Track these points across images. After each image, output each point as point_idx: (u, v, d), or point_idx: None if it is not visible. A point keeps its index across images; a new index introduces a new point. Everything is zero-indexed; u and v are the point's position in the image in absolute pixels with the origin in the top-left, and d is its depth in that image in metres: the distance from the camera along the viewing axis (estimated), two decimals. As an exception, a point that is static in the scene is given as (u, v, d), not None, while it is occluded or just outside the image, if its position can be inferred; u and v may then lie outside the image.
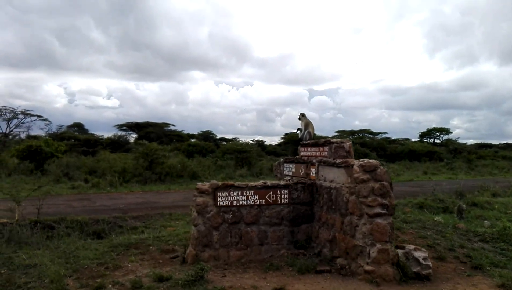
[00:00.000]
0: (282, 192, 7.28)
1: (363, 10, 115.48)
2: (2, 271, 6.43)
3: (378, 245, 5.70)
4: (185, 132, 56.93)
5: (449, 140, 62.12)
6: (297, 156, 8.51)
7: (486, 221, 8.99)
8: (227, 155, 35.14)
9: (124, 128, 54.75)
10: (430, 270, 5.85)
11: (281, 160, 9.24)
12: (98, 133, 50.66)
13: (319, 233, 7.06)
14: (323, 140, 7.41)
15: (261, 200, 7.17)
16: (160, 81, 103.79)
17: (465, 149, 55.75)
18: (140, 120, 56.70)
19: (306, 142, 8.16)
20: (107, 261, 7.03)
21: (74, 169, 24.63)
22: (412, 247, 6.16)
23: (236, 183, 7.20)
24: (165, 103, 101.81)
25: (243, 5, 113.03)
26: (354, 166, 6.01)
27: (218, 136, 58.85)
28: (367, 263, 5.73)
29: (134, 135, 53.73)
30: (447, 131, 65.10)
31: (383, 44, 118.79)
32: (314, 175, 7.49)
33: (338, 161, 6.63)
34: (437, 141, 64.56)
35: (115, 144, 44.78)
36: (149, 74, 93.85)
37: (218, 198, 6.99)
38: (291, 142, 50.35)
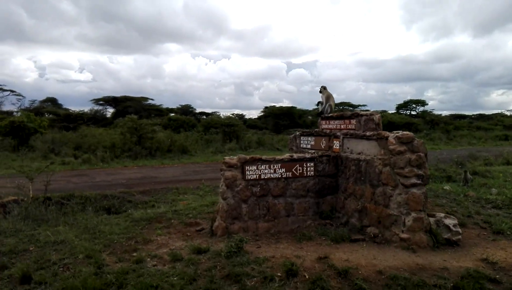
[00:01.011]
0: (308, 165, 7.35)
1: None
2: (31, 248, 6.32)
3: (413, 214, 5.89)
4: (164, 106, 55.97)
5: (425, 111, 63.59)
6: (317, 129, 8.55)
7: (493, 189, 9.38)
8: (212, 129, 35.04)
9: (101, 102, 53.48)
10: (460, 236, 6.10)
11: (297, 133, 9.27)
12: (72, 108, 49.19)
13: (345, 204, 7.21)
14: (350, 112, 7.46)
15: (288, 173, 7.23)
16: (134, 54, 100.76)
17: (441, 120, 57.39)
18: (114, 94, 55.29)
19: (328, 115, 8.19)
20: (134, 235, 7.01)
21: (59, 145, 24.08)
22: (442, 215, 6.39)
23: (264, 157, 7.21)
24: (140, 76, 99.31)
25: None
26: (389, 138, 6.10)
27: (198, 110, 58.12)
28: (402, 231, 5.93)
29: (111, 110, 52.62)
30: (423, 103, 66.51)
31: (360, 16, 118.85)
32: (338, 147, 7.58)
33: (368, 133, 6.73)
34: (413, 112, 65.91)
35: (93, 119, 43.81)
36: (123, 46, 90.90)
37: (246, 171, 7.01)
38: (272, 115, 50.45)
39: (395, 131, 6.28)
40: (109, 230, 7.24)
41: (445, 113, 68.40)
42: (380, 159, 6.31)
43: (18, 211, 8.20)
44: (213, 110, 61.21)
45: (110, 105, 54.15)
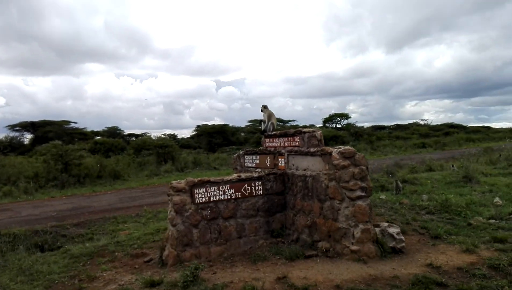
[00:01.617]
0: (256, 183, 7.39)
1: (262, 1, 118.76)
2: (-43, 299, 5.61)
3: (361, 226, 6.15)
4: (88, 129, 52.99)
5: (349, 124, 67.19)
6: (261, 148, 8.66)
7: (424, 195, 10.11)
8: (144, 150, 33.97)
9: (17, 128, 49.39)
10: (404, 244, 6.47)
11: (241, 152, 9.31)
12: (-18, 135, 44.76)
13: (295, 220, 7.33)
14: (293, 130, 7.66)
15: (237, 194, 7.20)
16: (51, 75, 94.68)
17: (364, 132, 61.07)
18: (31, 118, 51.17)
19: (271, 133, 8.34)
20: (76, 273, 6.55)
21: (-27, 177, 21.82)
22: (386, 224, 6.75)
23: (212, 179, 7.13)
24: (59, 98, 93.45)
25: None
26: (333, 154, 6.35)
27: (126, 132, 55.98)
28: (352, 243, 6.15)
29: (29, 136, 48.77)
30: (346, 116, 70.17)
31: (283, 35, 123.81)
32: (283, 165, 7.72)
33: (312, 149, 6.94)
34: (338, 126, 69.30)
35: (10, 147, 40.32)
36: (39, 67, 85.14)
37: (196, 195, 6.87)
38: (205, 134, 50.12)
39: (337, 147, 6.55)
40: (48, 270, 6.68)
41: (366, 125, 72.90)
42: (325, 174, 6.54)
43: None
44: (143, 131, 59.37)
45: (28, 130, 50.06)
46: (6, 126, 47.99)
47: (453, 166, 14.72)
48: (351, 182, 6.16)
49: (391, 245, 6.39)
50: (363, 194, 6.20)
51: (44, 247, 9.14)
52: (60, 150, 22.24)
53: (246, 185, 7.30)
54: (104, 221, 11.23)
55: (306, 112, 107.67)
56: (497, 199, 9.37)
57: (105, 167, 24.09)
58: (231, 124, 54.53)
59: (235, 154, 9.61)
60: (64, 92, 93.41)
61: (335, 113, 71.20)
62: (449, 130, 64.85)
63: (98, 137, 46.77)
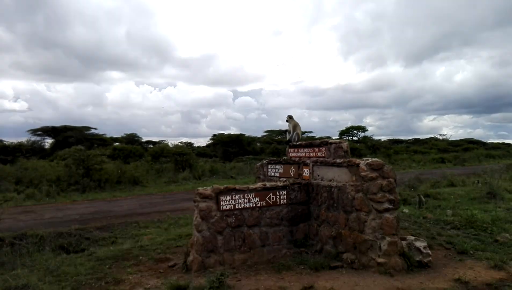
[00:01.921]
0: (281, 193, 7.43)
1: (282, 14, 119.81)
2: (-10, 297, 5.76)
3: (388, 238, 6.11)
4: (107, 135, 53.74)
5: (365, 137, 66.62)
6: (285, 157, 8.70)
7: (448, 210, 9.97)
8: (162, 158, 34.31)
9: (39, 132, 50.46)
10: (430, 258, 6.40)
11: (264, 161, 9.37)
12: (6, 139, 45.74)
13: (319, 231, 7.32)
14: (319, 141, 7.70)
15: (261, 202, 7.25)
16: (74, 82, 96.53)
17: (381, 145, 60.47)
18: (53, 124, 52.02)
19: (296, 143, 8.38)
20: (103, 275, 6.63)
21: (-4, 179, 22.36)
22: (412, 237, 6.69)
23: (238, 187, 7.18)
24: (80, 105, 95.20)
25: (162, 3, 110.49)
26: (360, 165, 6.35)
27: (144, 139, 56.57)
28: (379, 256, 6.11)
29: (50, 140, 49.70)
30: (363, 129, 69.60)
31: (301, 47, 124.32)
32: (308, 175, 7.74)
33: (338, 160, 6.96)
34: (355, 138, 68.78)
35: (31, 151, 41.14)
36: (62, 74, 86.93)
37: (221, 202, 6.93)
38: (220, 143, 50.24)
39: (364, 158, 6.55)
40: (74, 271, 6.79)
41: (383, 138, 72.10)
42: (352, 185, 6.53)
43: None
44: (160, 139, 59.75)
45: (49, 135, 51.03)
46: (28, 130, 49.05)
47: (478, 181, 14.48)
48: (379, 194, 6.14)
49: (417, 259, 6.33)
50: (390, 206, 6.17)
51: (68, 249, 9.33)
52: (82, 155, 22.67)
53: (271, 194, 7.34)
54: (126, 225, 11.38)
55: (322, 123, 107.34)
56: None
57: (124, 173, 24.41)
58: (247, 134, 54.62)
59: (258, 163, 9.67)
60: (85, 98, 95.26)
61: (352, 126, 70.71)
62: (468, 145, 63.66)
63: (117, 144, 47.41)
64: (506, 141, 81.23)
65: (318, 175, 7.48)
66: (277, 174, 8.70)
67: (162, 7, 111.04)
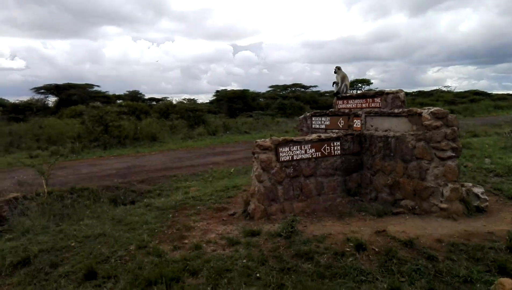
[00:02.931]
0: (335, 144, 7.58)
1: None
2: (72, 244, 6.06)
3: (450, 185, 6.32)
4: (110, 93, 53.30)
5: (370, 90, 66.05)
6: (332, 109, 8.78)
7: (486, 159, 10.18)
8: (173, 114, 34.41)
9: (42, 91, 50.12)
10: (487, 203, 6.65)
11: (307, 114, 9.46)
12: (7, 98, 45.46)
13: (373, 180, 7.54)
14: (373, 91, 7.74)
15: (317, 153, 7.42)
16: (70, 38, 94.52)
17: (388, 98, 59.95)
18: (50, 81, 51.53)
19: (345, 94, 8.44)
20: (171, 223, 6.93)
21: (17, 137, 22.61)
22: (470, 184, 6.91)
23: (295, 138, 7.33)
24: (78, 62, 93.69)
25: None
26: (423, 114, 6.45)
27: (147, 96, 56.27)
28: (441, 202, 6.35)
29: (53, 98, 49.44)
30: (368, 82, 69.06)
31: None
32: (359, 126, 7.86)
33: (396, 110, 7.05)
34: (359, 91, 68.17)
35: (36, 109, 41.06)
36: (57, 30, 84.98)
37: (280, 153, 7.10)
38: (224, 99, 49.90)
39: (425, 108, 6.64)
40: (141, 220, 7.09)
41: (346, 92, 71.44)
42: (412, 134, 6.66)
43: (30, 207, 7.75)
44: (163, 96, 59.35)
45: (52, 93, 50.75)
46: (32, 89, 48.70)
47: (506, 132, 14.64)
48: (443, 143, 6.29)
49: (475, 204, 6.58)
50: (453, 154, 6.34)
51: (117, 201, 9.64)
52: (100, 112, 22.73)
53: (325, 145, 7.50)
54: (165, 179, 11.67)
55: (325, 77, 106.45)
56: None
57: (141, 129, 24.59)
58: (250, 90, 54.06)
59: (301, 116, 9.76)
60: (82, 55, 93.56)
61: (356, 79, 70.15)
62: (474, 97, 63.14)
63: (120, 101, 47.26)
64: (511, 92, 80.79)
65: (372, 126, 7.60)
66: (323, 126, 8.82)
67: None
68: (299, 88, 65.09)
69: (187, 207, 7.96)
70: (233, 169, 12.92)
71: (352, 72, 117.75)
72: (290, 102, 47.55)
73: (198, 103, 34.83)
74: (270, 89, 63.88)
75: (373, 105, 7.66)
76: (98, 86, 51.20)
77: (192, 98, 54.26)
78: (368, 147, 7.64)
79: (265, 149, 7.04)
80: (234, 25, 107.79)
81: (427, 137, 6.40)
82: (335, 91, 8.85)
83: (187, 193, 9.40)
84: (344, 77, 8.58)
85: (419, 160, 6.58)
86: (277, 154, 7.10)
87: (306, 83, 62.65)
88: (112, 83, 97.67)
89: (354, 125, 7.96)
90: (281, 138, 7.21)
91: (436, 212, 6.35)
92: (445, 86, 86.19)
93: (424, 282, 4.38)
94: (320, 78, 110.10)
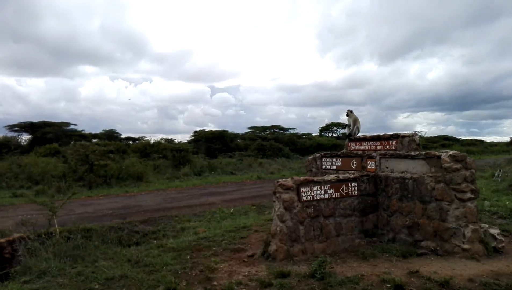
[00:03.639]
0: (352, 184, 7.73)
1: (259, 10, 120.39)
2: (96, 286, 5.81)
3: (471, 226, 6.51)
4: (86, 131, 52.43)
5: (345, 133, 67.65)
6: (343, 151, 9.00)
7: (486, 202, 10.54)
8: (154, 154, 34.11)
9: (16, 128, 48.87)
10: (504, 244, 6.85)
11: (317, 155, 9.65)
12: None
13: (390, 221, 7.67)
14: (388, 134, 8.03)
15: (336, 193, 7.53)
16: (46, 76, 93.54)
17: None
18: (24, 119, 50.40)
19: (357, 137, 8.70)
20: (191, 265, 6.76)
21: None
22: (486, 225, 7.12)
23: (315, 178, 7.44)
24: (52, 100, 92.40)
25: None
26: (442, 157, 6.72)
27: (123, 135, 55.69)
28: (463, 242, 6.50)
29: (27, 136, 48.15)
30: (342, 126, 70.88)
31: (278, 44, 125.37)
32: (373, 167, 8.07)
33: (413, 153, 7.31)
34: (334, 135, 69.75)
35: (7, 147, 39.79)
36: (33, 68, 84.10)
37: (302, 193, 7.18)
38: (203, 139, 49.82)
39: (443, 151, 6.93)
40: (160, 262, 6.88)
41: (360, 135, 73.51)
42: (431, 176, 6.90)
43: (41, 247, 7.41)
44: (140, 135, 58.71)
45: (26, 131, 49.51)
46: (5, 126, 47.40)
47: (497, 175, 15.26)
48: (463, 185, 6.53)
49: (493, 245, 6.76)
50: (472, 196, 6.58)
51: (121, 242, 9.34)
52: (86, 151, 22.31)
53: (344, 185, 7.64)
54: (167, 219, 11.44)
55: (300, 120, 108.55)
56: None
57: (127, 169, 24.21)
58: (228, 130, 54.27)
59: (310, 157, 9.94)
60: (57, 93, 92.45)
61: (332, 122, 72.00)
62: (444, 142, 65.54)
63: (95, 140, 46.51)
64: (478, 138, 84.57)
65: (387, 167, 7.82)
66: (334, 167, 9.00)
67: (136, 0, 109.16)
68: (277, 130, 65.96)
69: (202, 248, 7.81)
70: (232, 210, 12.83)
71: (325, 116, 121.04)
72: (269, 144, 48.03)
73: (182, 143, 34.50)
74: (248, 130, 64.46)
75: (388, 147, 7.93)
76: (74, 124, 50.23)
77: (170, 137, 53.84)
78: (384, 188, 7.82)
79: (287, 189, 7.10)
80: (212, 68, 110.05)
81: (447, 179, 6.64)
82: (347, 134, 9.12)
83: (196, 233, 9.24)
84: (355, 120, 8.89)
85: (438, 201, 6.78)
86: (298, 194, 7.17)
87: (282, 125, 63.76)
88: (87, 122, 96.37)
89: (368, 167, 8.17)
90: (302, 178, 7.30)
91: (459, 253, 6.49)
92: (416, 131, 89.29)
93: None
94: (296, 121, 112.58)
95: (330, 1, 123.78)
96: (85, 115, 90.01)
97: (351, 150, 8.82)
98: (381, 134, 8.27)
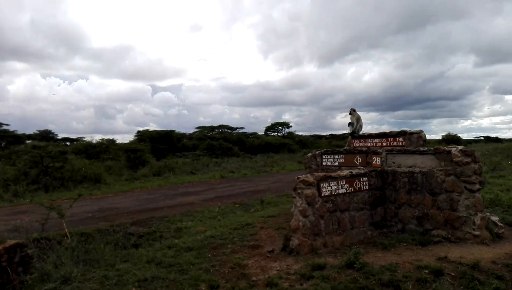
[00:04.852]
0: (363, 179, 8.06)
1: (202, 9, 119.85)
2: (134, 289, 5.57)
3: (480, 214, 7.09)
4: (18, 132, 48.86)
5: (290, 133, 69.43)
6: (346, 147, 9.32)
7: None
8: (103, 154, 32.81)
9: None
10: (503, 230, 7.52)
11: (317, 152, 9.90)
12: None
13: (398, 213, 8.09)
14: (395, 131, 8.45)
15: (350, 188, 7.82)
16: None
17: (308, 140, 63.87)
18: None
19: (360, 134, 9.06)
20: (217, 263, 6.68)
21: None
22: (488, 213, 7.75)
23: (333, 174, 7.66)
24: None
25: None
26: (453, 152, 7.24)
27: (60, 136, 52.78)
28: (473, 229, 7.05)
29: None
30: (288, 125, 72.46)
31: (222, 43, 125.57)
32: (378, 163, 8.47)
33: (422, 149, 7.79)
34: (279, 134, 71.12)
35: None
36: (-43, 64, 76.98)
37: (322, 189, 7.37)
38: (148, 139, 48.31)
39: (453, 146, 7.46)
40: (183, 261, 6.72)
41: (301, 133, 75.39)
42: (441, 170, 7.40)
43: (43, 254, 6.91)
44: (78, 136, 55.88)
45: (-48, 132, 45.22)
46: None
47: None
48: (473, 177, 7.08)
49: (495, 231, 7.40)
50: (480, 187, 7.16)
51: (118, 245, 8.94)
52: (42, 152, 20.90)
53: (356, 180, 7.94)
54: (157, 220, 11.08)
55: (244, 120, 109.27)
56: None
57: (87, 170, 23.05)
58: (172, 130, 52.86)
59: (309, 154, 10.16)
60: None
61: (277, 122, 73.27)
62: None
63: (29, 141, 43.62)
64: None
65: (394, 163, 8.24)
66: (336, 163, 9.30)
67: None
68: (226, 129, 65.85)
69: (217, 246, 7.72)
70: (218, 208, 12.73)
71: (268, 116, 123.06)
72: (219, 143, 47.91)
73: (138, 144, 33.21)
74: (196, 130, 63.73)
75: (394, 143, 8.36)
76: (7, 124, 46.47)
77: (111, 138, 51.46)
78: (391, 182, 8.23)
79: (309, 184, 7.25)
80: (153, 66, 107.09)
81: (458, 172, 7.17)
82: (350, 131, 9.45)
83: (199, 233, 9.06)
84: (358, 118, 9.25)
85: (449, 192, 7.29)
86: (319, 190, 7.34)
87: (229, 124, 63.98)
88: (16, 122, 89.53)
89: (374, 162, 8.55)
90: (322, 174, 7.49)
91: (470, 239, 7.03)
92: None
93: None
94: (240, 121, 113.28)
95: (271, 3, 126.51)
96: (14, 114, 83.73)
97: (355, 147, 9.17)
98: (387, 131, 8.69)
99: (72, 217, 11.72)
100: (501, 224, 7.56)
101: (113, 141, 52.43)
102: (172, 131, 50.73)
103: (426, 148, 7.74)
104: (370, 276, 5.68)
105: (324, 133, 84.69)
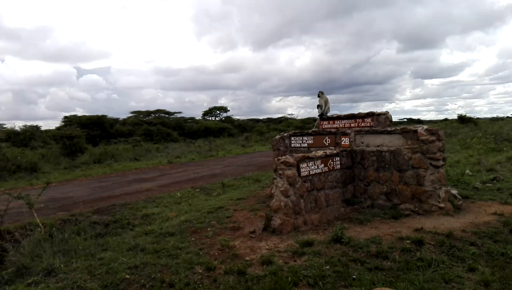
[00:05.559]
0: (336, 159, 8.39)
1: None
2: (127, 277, 5.41)
3: (443, 188, 7.73)
4: None
5: (228, 117, 69.63)
6: (315, 129, 9.59)
7: (467, 169, 12.30)
8: (31, 142, 30.87)
9: None
10: (462, 202, 8.28)
11: (285, 134, 10.07)
12: None
13: (367, 190, 8.55)
14: (363, 113, 8.84)
15: (325, 168, 8.11)
16: None
17: (246, 124, 64.45)
18: None
19: (329, 116, 9.36)
20: (205, 245, 6.67)
21: None
22: (448, 187, 8.46)
23: (310, 155, 7.88)
24: None
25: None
26: (419, 131, 7.78)
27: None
28: (439, 202, 7.68)
29: None
30: (225, 109, 72.69)
31: (151, 24, 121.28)
32: (347, 143, 8.86)
33: (389, 129, 8.27)
34: (217, 118, 71.05)
35: None
36: None
37: (301, 169, 7.57)
38: (78, 125, 45.72)
39: (418, 125, 8.01)
40: (169, 247, 6.61)
41: (238, 118, 75.84)
42: (408, 148, 7.93)
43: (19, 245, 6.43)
44: None
45: None
46: None
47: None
48: (437, 154, 7.67)
49: (455, 203, 8.12)
50: (443, 163, 7.79)
51: (81, 234, 8.53)
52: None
53: (330, 160, 8.25)
54: (119, 208, 10.68)
55: (179, 104, 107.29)
56: (467, 171, 12.09)
57: (22, 159, 21.44)
58: (103, 115, 50.35)
59: (276, 136, 10.31)
60: None
61: (215, 106, 73.05)
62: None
63: None
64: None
65: (362, 143, 8.67)
66: (305, 145, 9.56)
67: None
68: (163, 114, 64.18)
69: (197, 230, 7.66)
70: (179, 193, 12.55)
71: (204, 100, 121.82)
72: (157, 128, 46.73)
73: (75, 130, 31.24)
74: (131, 114, 61.48)
75: (363, 124, 8.77)
76: None
77: (35, 124, 47.90)
78: (360, 161, 8.66)
79: (290, 165, 7.40)
80: (77, 47, 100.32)
81: (424, 149, 7.73)
82: (319, 114, 9.72)
83: (172, 219, 8.90)
84: (326, 101, 9.55)
85: (415, 169, 7.85)
86: (298, 170, 7.53)
87: (166, 109, 62.44)
88: None
89: (342, 143, 8.92)
90: (300, 155, 7.68)
91: (436, 211, 7.65)
92: (288, 114, 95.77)
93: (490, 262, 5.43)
94: (174, 105, 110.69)
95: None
96: None
97: (324, 128, 9.48)
98: (355, 112, 9.08)
99: (22, 207, 10.91)
100: (460, 197, 8.30)
101: (37, 127, 48.70)
102: (104, 116, 48.28)
103: (393, 128, 8.23)
104: (358, 249, 6.00)
105: (261, 117, 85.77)
